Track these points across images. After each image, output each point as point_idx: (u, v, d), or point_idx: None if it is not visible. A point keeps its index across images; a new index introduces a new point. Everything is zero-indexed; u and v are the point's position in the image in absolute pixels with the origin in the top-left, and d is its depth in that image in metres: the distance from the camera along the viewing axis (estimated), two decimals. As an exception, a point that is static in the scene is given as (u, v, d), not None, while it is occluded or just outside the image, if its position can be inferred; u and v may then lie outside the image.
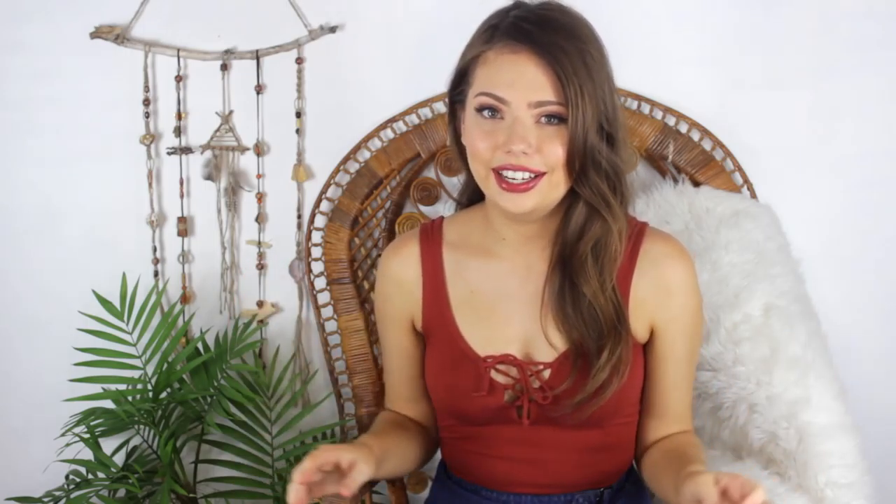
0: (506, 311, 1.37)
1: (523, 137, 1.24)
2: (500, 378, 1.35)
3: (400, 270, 1.44)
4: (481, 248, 1.40)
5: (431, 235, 1.44)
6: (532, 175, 1.26)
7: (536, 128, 1.25)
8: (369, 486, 1.54)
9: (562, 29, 1.26)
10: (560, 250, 1.34)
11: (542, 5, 1.29)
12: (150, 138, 1.98)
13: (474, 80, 1.29)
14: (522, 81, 1.24)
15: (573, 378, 1.32)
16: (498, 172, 1.27)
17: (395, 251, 1.47)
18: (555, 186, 1.28)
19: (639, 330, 1.37)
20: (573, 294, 1.32)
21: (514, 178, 1.26)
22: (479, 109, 1.28)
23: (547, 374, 1.34)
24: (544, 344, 1.35)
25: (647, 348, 1.41)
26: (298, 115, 1.97)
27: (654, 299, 1.36)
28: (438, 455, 1.58)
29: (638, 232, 1.38)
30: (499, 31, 1.27)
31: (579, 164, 1.25)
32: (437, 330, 1.41)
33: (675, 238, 1.43)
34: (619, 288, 1.34)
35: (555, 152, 1.25)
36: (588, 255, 1.31)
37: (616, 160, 1.29)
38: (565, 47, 1.24)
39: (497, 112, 1.26)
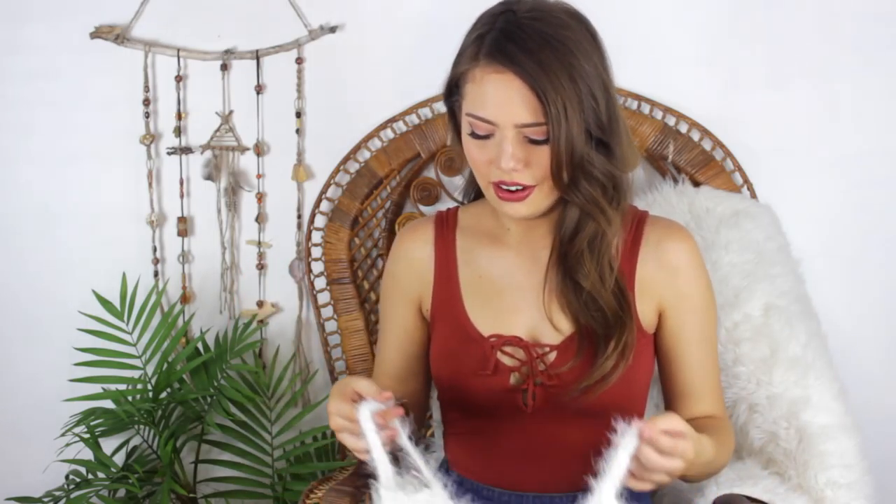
0: (512, 298, 1.39)
1: (512, 155, 1.25)
2: (506, 360, 1.36)
3: (414, 250, 1.46)
4: (491, 235, 1.43)
5: (447, 221, 1.46)
6: (524, 187, 1.29)
7: (525, 145, 1.26)
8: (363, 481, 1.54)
9: (546, 43, 1.24)
10: (558, 245, 1.35)
11: (529, 12, 1.27)
12: (150, 138, 1.98)
13: (465, 95, 1.30)
14: (508, 104, 1.25)
15: (578, 359, 1.33)
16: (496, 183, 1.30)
17: (410, 232, 1.49)
18: (547, 195, 1.30)
19: (646, 315, 1.38)
20: (574, 285, 1.34)
21: (508, 188, 1.29)
22: (471, 129, 1.29)
23: (553, 356, 1.34)
24: (549, 329, 1.36)
25: (659, 334, 1.41)
26: (298, 115, 1.97)
27: (659, 281, 1.37)
28: (440, 455, 1.58)
29: (639, 220, 1.39)
30: (484, 47, 1.26)
31: (568, 176, 1.27)
32: (444, 313, 1.42)
33: (676, 222, 1.43)
34: (626, 269, 1.35)
35: (541, 167, 1.27)
36: (584, 251, 1.32)
37: (609, 167, 1.29)
38: (548, 65, 1.22)
39: (488, 134, 1.28)
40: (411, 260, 1.46)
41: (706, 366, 1.42)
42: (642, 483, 1.14)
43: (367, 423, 1.16)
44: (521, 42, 1.24)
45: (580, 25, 1.28)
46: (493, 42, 1.25)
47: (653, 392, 1.64)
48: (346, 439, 1.21)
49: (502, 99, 1.25)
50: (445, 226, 1.46)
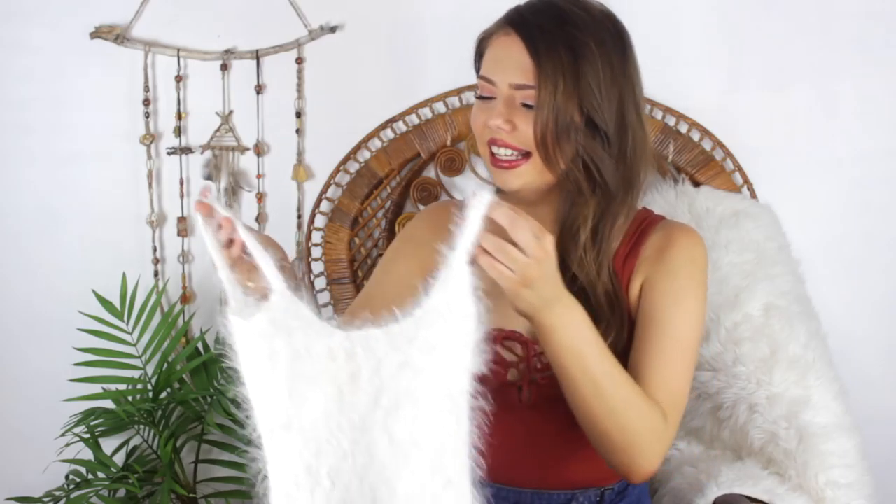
0: None
1: (500, 113, 1.28)
2: (505, 354, 1.36)
3: (441, 224, 1.44)
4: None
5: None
6: (518, 154, 1.29)
7: (515, 108, 1.28)
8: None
9: (559, 17, 1.28)
10: (559, 235, 1.35)
11: None
12: (150, 138, 1.98)
13: (482, 63, 1.34)
14: (507, 63, 1.28)
15: None
16: (491, 149, 1.31)
17: (438, 208, 1.49)
18: (539, 171, 1.30)
19: (634, 303, 1.36)
20: (569, 279, 1.32)
21: (498, 154, 1.30)
22: (479, 90, 1.33)
23: None
24: None
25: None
26: (298, 115, 1.97)
27: (648, 262, 1.35)
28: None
29: (649, 223, 1.38)
30: (505, 16, 1.32)
31: (551, 148, 1.27)
32: None
33: (691, 227, 1.40)
34: (622, 273, 1.34)
35: (527, 131, 1.27)
36: (585, 240, 1.32)
37: (599, 151, 1.28)
38: (552, 33, 1.26)
39: (490, 95, 1.31)
40: (437, 230, 1.44)
41: (660, 362, 1.27)
42: (488, 262, 1.07)
43: (207, 234, 1.05)
44: (534, 11, 1.29)
45: (609, 22, 1.31)
46: (512, 11, 1.31)
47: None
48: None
49: (502, 57, 1.29)
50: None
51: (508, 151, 1.29)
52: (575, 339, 1.17)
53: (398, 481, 1.03)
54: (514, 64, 1.27)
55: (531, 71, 1.26)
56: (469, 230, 1.04)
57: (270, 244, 1.16)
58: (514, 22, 1.29)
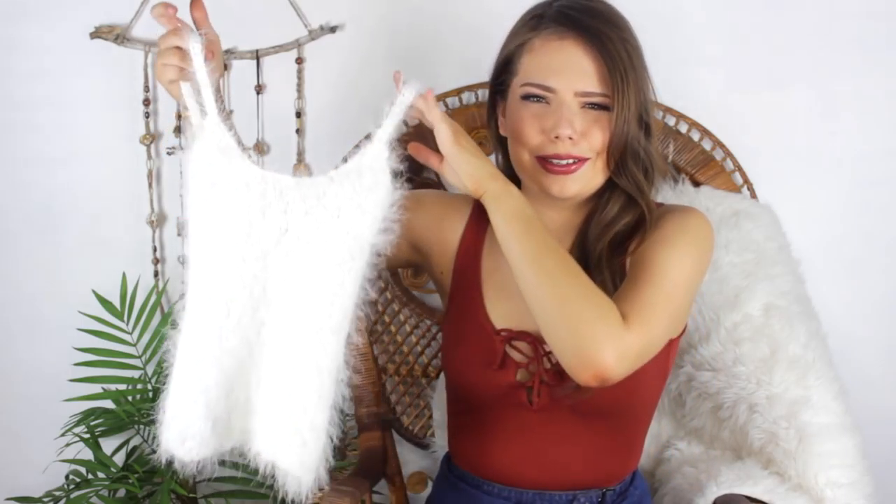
0: None
1: (570, 122, 1.26)
2: (514, 355, 1.36)
3: (455, 208, 1.43)
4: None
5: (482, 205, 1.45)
6: (576, 160, 1.28)
7: (581, 113, 1.27)
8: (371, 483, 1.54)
9: (606, 18, 1.28)
10: (583, 238, 1.35)
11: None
12: (150, 138, 1.98)
13: (519, 70, 1.31)
14: (569, 69, 1.26)
15: None
16: (541, 157, 1.29)
17: (459, 194, 1.44)
18: (597, 173, 1.30)
19: None
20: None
21: (559, 162, 1.28)
22: (525, 97, 1.30)
23: None
24: None
25: None
26: (298, 115, 1.97)
27: (642, 237, 1.33)
28: (442, 451, 1.58)
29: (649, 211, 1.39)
30: (545, 20, 1.29)
31: (620, 154, 1.28)
32: (462, 297, 1.41)
33: (693, 207, 1.39)
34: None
35: (599, 137, 1.27)
36: (609, 243, 1.32)
37: (651, 150, 1.30)
38: (611, 35, 1.26)
39: (543, 99, 1.29)
40: (449, 209, 1.43)
41: (634, 283, 1.26)
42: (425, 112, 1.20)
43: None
44: (584, 13, 1.28)
45: (624, 17, 1.32)
46: (556, 13, 1.28)
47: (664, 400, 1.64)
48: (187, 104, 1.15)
49: (563, 64, 1.26)
50: (482, 210, 1.40)
51: (569, 160, 1.28)
52: (521, 204, 1.23)
53: (283, 319, 1.09)
54: (579, 70, 1.26)
55: (599, 77, 1.25)
56: (395, 113, 1.15)
57: (220, 68, 1.21)
58: (572, 25, 1.26)
